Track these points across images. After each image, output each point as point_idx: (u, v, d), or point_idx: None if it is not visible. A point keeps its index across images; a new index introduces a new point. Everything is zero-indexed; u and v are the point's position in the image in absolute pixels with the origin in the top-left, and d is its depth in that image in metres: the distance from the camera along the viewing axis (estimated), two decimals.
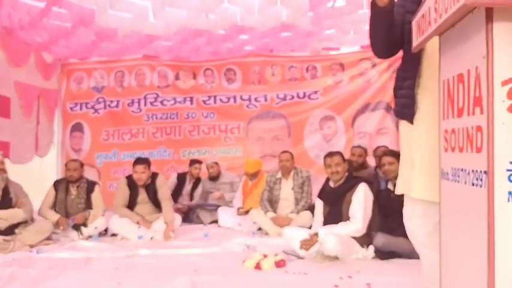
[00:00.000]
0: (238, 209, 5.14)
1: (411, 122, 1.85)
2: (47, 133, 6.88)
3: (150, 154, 6.82)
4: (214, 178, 5.69)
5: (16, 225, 3.93)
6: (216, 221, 5.18)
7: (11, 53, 5.81)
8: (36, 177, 7.23)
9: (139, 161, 4.45)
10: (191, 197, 5.81)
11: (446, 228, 1.58)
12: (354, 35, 6.26)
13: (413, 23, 1.65)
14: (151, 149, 6.92)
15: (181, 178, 5.86)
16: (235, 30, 5.91)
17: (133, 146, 6.99)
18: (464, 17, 1.31)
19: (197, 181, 5.87)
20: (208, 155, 6.78)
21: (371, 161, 5.46)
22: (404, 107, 1.88)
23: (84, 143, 7.10)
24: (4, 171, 3.98)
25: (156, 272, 2.95)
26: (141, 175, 4.35)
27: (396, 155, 3.47)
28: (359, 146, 5.14)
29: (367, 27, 5.83)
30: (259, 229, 4.37)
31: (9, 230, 3.86)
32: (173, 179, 5.83)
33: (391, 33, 1.87)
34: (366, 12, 5.11)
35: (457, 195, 1.47)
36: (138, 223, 4.35)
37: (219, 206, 5.28)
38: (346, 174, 3.30)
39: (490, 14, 1.19)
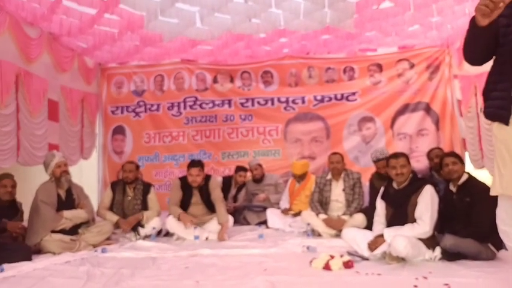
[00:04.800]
0: (284, 210, 5.20)
1: (507, 123, 1.88)
2: (90, 136, 7.09)
3: (190, 156, 6.93)
4: (258, 180, 5.76)
5: (78, 226, 4.08)
6: (262, 222, 5.24)
7: (57, 58, 6.02)
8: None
9: (194, 163, 4.53)
10: (235, 200, 5.90)
11: None
12: (394, 36, 6.25)
13: None
14: (192, 152, 7.05)
15: (226, 182, 5.96)
16: (276, 33, 5.98)
17: (174, 148, 7.13)
18: None
19: (241, 186, 5.96)
20: (247, 158, 6.86)
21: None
22: (500, 108, 1.90)
23: (126, 145, 7.26)
24: (67, 173, 4.12)
25: (227, 271, 3.03)
26: (196, 178, 4.45)
27: (457, 155, 3.48)
28: (379, 159, 4.60)
29: (410, 28, 5.79)
30: (313, 230, 4.41)
31: (73, 230, 4.01)
32: (219, 183, 5.91)
33: (488, 46, 1.90)
34: (412, 13, 5.12)
35: None
36: (178, 218, 4.37)
37: (265, 208, 5.34)
38: (411, 175, 3.32)
39: None
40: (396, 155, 3.38)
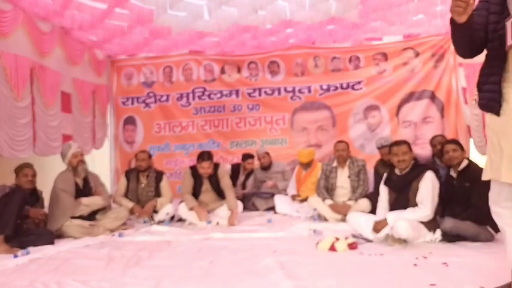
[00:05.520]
0: (293, 196, 5.38)
1: (498, 114, 2.01)
2: (101, 127, 7.29)
3: (199, 146, 7.16)
4: (266, 168, 5.94)
5: (96, 212, 4.29)
6: (270, 208, 5.44)
7: (69, 51, 6.20)
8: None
9: (204, 157, 4.65)
10: (243, 187, 6.09)
11: None
12: (399, 25, 6.33)
13: (508, 24, 1.81)
14: (201, 141, 7.25)
15: (235, 170, 6.15)
16: (282, 24, 6.09)
17: (184, 138, 7.32)
18: None
19: (249, 173, 6.15)
20: (255, 146, 7.03)
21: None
22: (491, 100, 2.04)
23: (137, 135, 7.47)
24: (83, 162, 4.32)
25: (239, 252, 3.21)
26: (207, 170, 4.63)
27: (458, 143, 3.62)
28: (383, 146, 4.79)
29: (414, 17, 5.87)
30: (319, 215, 4.59)
31: (91, 216, 4.23)
32: (227, 170, 6.10)
33: (473, 40, 2.03)
34: (415, 3, 5.20)
35: None
36: (191, 209, 4.58)
37: (273, 194, 5.53)
38: (413, 162, 3.47)
39: None
40: (398, 143, 3.52)
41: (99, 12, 5.38)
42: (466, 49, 2.10)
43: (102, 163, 7.72)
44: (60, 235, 3.94)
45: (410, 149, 3.48)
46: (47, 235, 3.71)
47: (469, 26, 1.93)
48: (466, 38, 2.00)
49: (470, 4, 1.82)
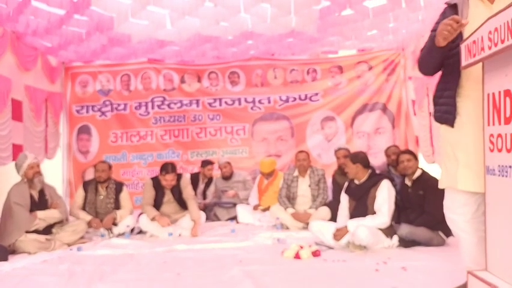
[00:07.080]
0: (254, 206, 5.45)
1: (452, 126, 2.19)
2: (54, 136, 7.00)
3: (159, 156, 7.07)
4: (227, 177, 5.97)
5: (52, 225, 4.12)
6: (232, 218, 5.46)
7: (21, 57, 5.93)
8: None
9: (168, 169, 4.57)
10: (204, 196, 6.07)
11: (492, 215, 1.93)
12: (354, 40, 6.63)
13: (462, 46, 1.99)
14: (160, 151, 7.14)
15: (194, 178, 6.11)
16: (243, 36, 6.18)
17: (142, 148, 7.18)
18: None
19: (209, 181, 6.14)
20: (216, 156, 7.04)
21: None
22: (446, 113, 2.22)
23: (91, 145, 7.23)
24: (40, 174, 4.14)
25: (205, 263, 3.22)
26: (171, 182, 4.58)
27: (412, 153, 3.85)
28: (340, 148, 5.26)
29: (369, 33, 6.17)
30: (281, 224, 4.68)
31: (47, 230, 4.05)
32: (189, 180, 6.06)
33: (441, 62, 2.20)
34: (370, 20, 5.49)
35: (504, 188, 1.81)
36: (153, 219, 4.49)
37: (235, 204, 5.56)
38: (370, 171, 3.66)
39: None
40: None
41: (57, 18, 5.21)
42: (431, 69, 2.27)
43: (53, 174, 7.39)
44: (13, 251, 3.74)
45: (356, 162, 3.68)
46: (0, 251, 3.51)
47: (445, 49, 2.09)
48: (439, 60, 2.17)
49: (456, 30, 1.95)
